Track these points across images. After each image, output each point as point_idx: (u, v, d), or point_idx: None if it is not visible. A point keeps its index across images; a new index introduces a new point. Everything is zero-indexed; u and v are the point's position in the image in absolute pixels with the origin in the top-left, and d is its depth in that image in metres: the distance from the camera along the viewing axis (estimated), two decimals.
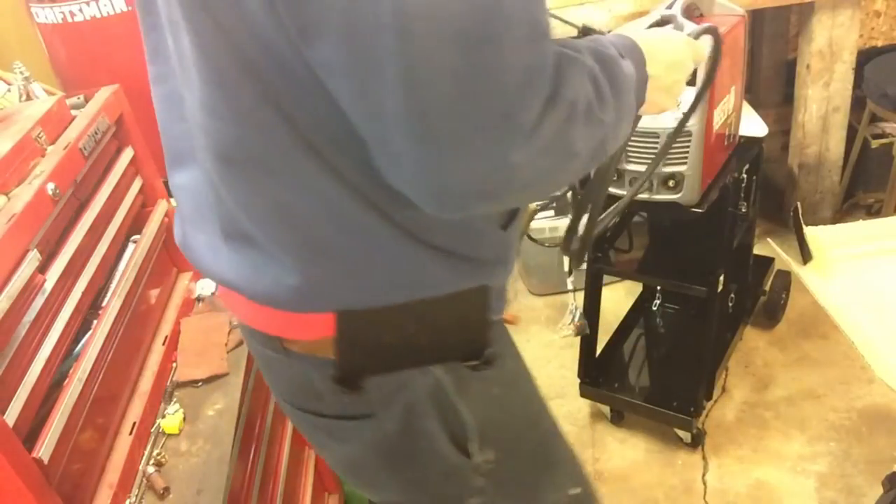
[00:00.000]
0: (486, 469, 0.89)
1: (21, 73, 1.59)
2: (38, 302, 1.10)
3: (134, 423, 1.24)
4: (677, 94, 0.92)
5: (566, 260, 2.47)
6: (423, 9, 0.56)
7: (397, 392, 0.83)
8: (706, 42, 1.00)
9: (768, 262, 2.41)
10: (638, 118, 0.88)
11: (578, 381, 2.08)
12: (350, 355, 0.79)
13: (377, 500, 1.01)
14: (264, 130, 0.69)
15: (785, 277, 2.37)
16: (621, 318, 2.29)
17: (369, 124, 0.63)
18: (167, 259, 1.59)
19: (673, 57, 0.89)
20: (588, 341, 2.05)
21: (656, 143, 1.60)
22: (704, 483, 1.93)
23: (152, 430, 1.28)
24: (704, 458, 1.99)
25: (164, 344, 1.43)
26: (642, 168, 1.64)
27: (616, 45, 0.79)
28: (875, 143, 2.67)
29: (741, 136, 1.88)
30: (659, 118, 1.58)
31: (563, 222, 2.44)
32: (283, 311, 0.79)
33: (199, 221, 0.84)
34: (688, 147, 1.60)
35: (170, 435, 1.27)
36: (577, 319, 1.96)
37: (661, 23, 1.01)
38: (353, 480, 0.99)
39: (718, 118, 1.65)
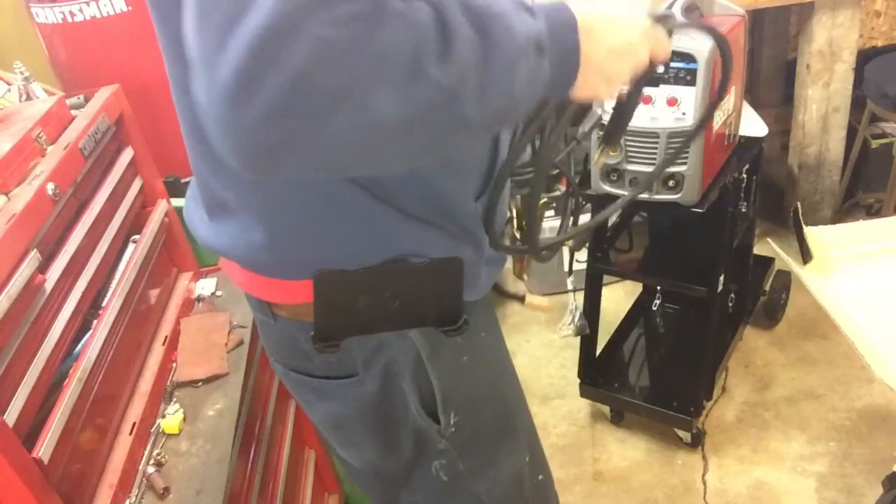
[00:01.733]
0: (449, 433, 0.95)
1: (21, 73, 1.59)
2: (38, 302, 1.10)
3: (134, 423, 1.24)
4: (616, 84, 0.78)
5: (566, 259, 2.47)
6: None
7: (376, 353, 0.88)
8: (666, 35, 0.81)
9: (768, 262, 2.41)
10: (567, 100, 0.77)
11: (578, 381, 2.08)
12: (326, 317, 0.84)
13: (356, 461, 1.05)
14: None
15: (785, 277, 2.37)
16: (621, 318, 2.29)
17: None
18: (167, 259, 1.59)
19: (619, 42, 0.74)
20: (588, 341, 2.05)
21: (656, 143, 1.60)
22: (704, 483, 1.93)
23: (152, 430, 1.28)
24: (704, 458, 1.99)
25: (164, 344, 1.43)
26: (642, 168, 1.64)
27: (524, 5, 0.69)
28: (875, 143, 2.67)
29: (741, 136, 1.88)
30: (659, 119, 1.58)
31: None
32: (265, 276, 0.85)
33: (195, 194, 0.93)
34: (688, 147, 1.60)
35: (170, 435, 1.28)
36: (577, 319, 1.96)
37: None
38: (334, 438, 1.04)
39: (718, 118, 1.65)
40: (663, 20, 0.80)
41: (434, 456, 0.97)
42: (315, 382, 0.93)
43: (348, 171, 0.69)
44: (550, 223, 2.47)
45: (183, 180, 1.83)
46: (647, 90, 1.59)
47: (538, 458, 1.14)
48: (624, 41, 0.74)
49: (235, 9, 0.52)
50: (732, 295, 2.12)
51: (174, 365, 1.42)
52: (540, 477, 1.13)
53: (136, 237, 1.47)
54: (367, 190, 0.78)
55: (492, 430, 1.01)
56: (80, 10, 1.85)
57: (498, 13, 0.64)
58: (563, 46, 0.69)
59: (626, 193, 1.66)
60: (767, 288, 2.35)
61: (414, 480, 1.00)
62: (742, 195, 1.94)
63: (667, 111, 1.58)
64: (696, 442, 2.00)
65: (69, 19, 1.86)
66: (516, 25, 0.65)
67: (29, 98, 1.58)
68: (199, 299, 1.60)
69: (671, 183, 1.66)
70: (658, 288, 2.11)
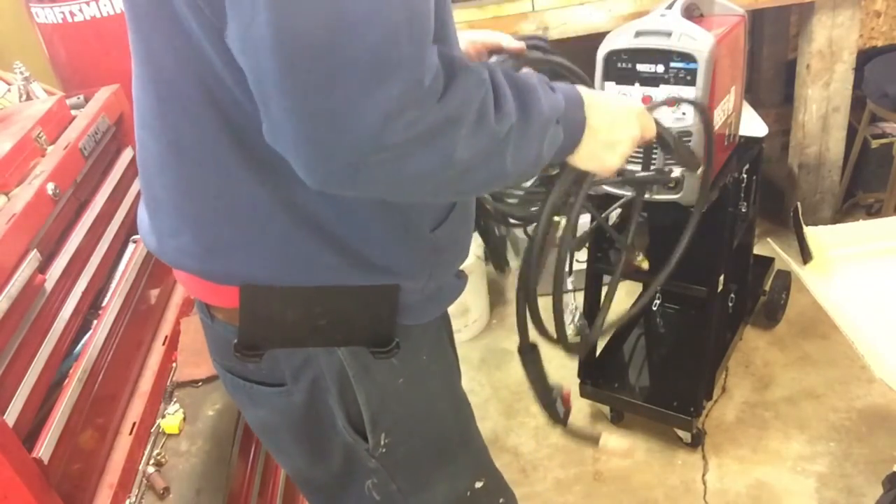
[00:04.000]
0: (379, 453, 0.94)
1: (21, 73, 1.60)
2: (38, 302, 1.10)
3: (134, 423, 1.24)
4: (621, 154, 0.90)
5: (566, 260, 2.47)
6: None
7: (304, 366, 0.88)
8: (660, 114, 0.98)
9: (768, 262, 2.41)
10: (577, 170, 0.90)
11: (578, 381, 2.08)
12: (251, 327, 0.85)
13: (286, 467, 1.06)
14: (184, 105, 0.74)
15: (785, 277, 2.37)
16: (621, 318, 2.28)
17: (256, 90, 0.65)
18: None
19: (617, 116, 0.89)
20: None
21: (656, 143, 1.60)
22: (704, 483, 1.92)
23: (152, 430, 1.28)
24: (704, 458, 1.99)
25: (164, 344, 1.43)
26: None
27: (547, 82, 0.82)
28: (875, 143, 2.67)
29: (741, 136, 1.88)
30: (658, 119, 1.58)
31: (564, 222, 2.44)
32: (198, 277, 0.86)
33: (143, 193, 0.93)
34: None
35: (170, 435, 1.28)
36: (577, 319, 1.96)
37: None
38: (265, 443, 1.05)
39: (718, 118, 1.65)
40: (651, 108, 1.00)
41: (365, 474, 0.96)
42: (248, 386, 0.93)
43: (411, 199, 0.80)
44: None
45: None
46: (646, 90, 1.59)
47: (496, 483, 1.13)
48: (622, 114, 0.90)
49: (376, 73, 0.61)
50: (732, 295, 2.12)
51: (174, 365, 1.42)
52: (501, 500, 1.13)
53: (136, 237, 1.47)
54: (300, 212, 0.78)
55: (428, 454, 1.00)
56: (80, 10, 1.85)
57: (533, 86, 0.78)
58: (574, 118, 0.83)
59: (626, 193, 1.67)
60: (767, 288, 2.35)
61: (347, 499, 1.00)
62: (742, 195, 1.94)
63: (667, 111, 1.58)
64: (696, 442, 1.99)
65: (69, 19, 1.86)
66: (544, 98, 0.78)
67: (29, 98, 1.58)
68: None
69: (671, 183, 1.65)
70: (658, 288, 2.10)
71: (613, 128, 0.88)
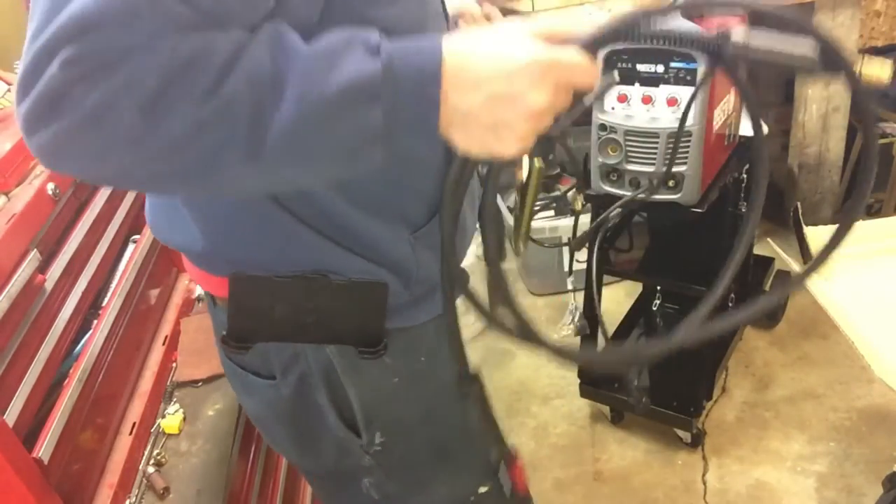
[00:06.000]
0: (374, 451, 0.93)
1: None
2: (38, 302, 1.10)
3: (134, 423, 1.24)
4: (512, 137, 0.63)
5: (566, 259, 2.47)
6: None
7: (293, 362, 0.88)
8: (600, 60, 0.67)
9: (768, 262, 2.41)
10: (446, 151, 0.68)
11: (578, 381, 2.08)
12: (239, 319, 0.85)
13: (284, 456, 1.10)
14: None
15: (785, 277, 2.37)
16: (621, 318, 2.28)
17: None
18: (167, 259, 1.60)
19: (499, 87, 0.61)
20: (588, 341, 2.05)
21: (656, 143, 1.60)
22: (704, 483, 1.92)
23: (152, 430, 1.28)
24: (704, 458, 1.99)
25: (164, 344, 1.43)
26: (642, 168, 1.64)
27: (368, 46, 0.60)
28: None
29: (741, 136, 1.88)
30: (659, 119, 1.58)
31: (564, 222, 2.44)
32: (197, 266, 0.87)
33: None
34: (688, 147, 1.60)
35: (170, 435, 1.28)
36: (577, 319, 1.96)
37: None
38: (262, 434, 1.06)
39: (718, 118, 1.65)
40: (590, 45, 0.66)
41: (361, 472, 0.96)
42: (243, 375, 0.94)
43: (122, 184, 0.73)
44: (551, 223, 2.48)
45: None
46: (646, 90, 1.59)
47: (501, 490, 1.10)
48: (506, 85, 0.61)
49: (39, 23, 0.62)
50: (732, 295, 2.12)
51: (174, 365, 1.42)
52: None
53: (135, 237, 1.47)
54: (281, 204, 0.78)
55: (426, 456, 0.98)
56: None
57: (311, 54, 0.59)
58: (411, 91, 0.60)
59: (626, 193, 1.67)
60: (767, 288, 2.35)
61: (346, 494, 0.99)
62: (742, 195, 1.94)
63: (667, 111, 1.58)
64: (696, 442, 1.99)
65: None
66: (333, 69, 0.58)
67: None
68: (199, 299, 1.60)
69: (671, 183, 1.65)
70: (658, 288, 2.11)
71: (493, 105, 0.62)
